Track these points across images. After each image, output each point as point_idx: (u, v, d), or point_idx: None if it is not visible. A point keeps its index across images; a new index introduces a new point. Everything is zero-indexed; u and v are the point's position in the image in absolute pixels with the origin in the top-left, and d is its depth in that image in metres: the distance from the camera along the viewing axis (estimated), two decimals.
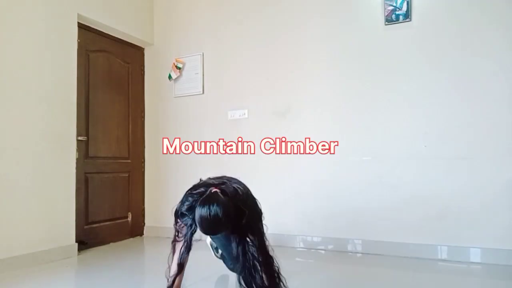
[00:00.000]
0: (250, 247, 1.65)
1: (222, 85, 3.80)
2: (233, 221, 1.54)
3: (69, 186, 3.21)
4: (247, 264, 1.63)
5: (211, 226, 1.49)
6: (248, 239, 1.66)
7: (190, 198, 1.67)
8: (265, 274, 1.68)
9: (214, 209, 1.47)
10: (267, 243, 1.75)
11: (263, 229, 1.75)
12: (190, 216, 1.64)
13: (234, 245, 1.65)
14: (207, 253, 2.53)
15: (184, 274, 1.82)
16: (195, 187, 1.74)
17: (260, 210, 1.76)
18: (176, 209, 1.74)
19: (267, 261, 1.71)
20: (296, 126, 3.42)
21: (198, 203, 1.52)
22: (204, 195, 1.55)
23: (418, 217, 2.90)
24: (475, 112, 2.78)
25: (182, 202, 1.71)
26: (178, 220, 1.75)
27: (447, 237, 2.81)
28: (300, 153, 3.39)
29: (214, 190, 1.57)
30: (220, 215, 1.47)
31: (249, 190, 1.79)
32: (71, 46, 3.29)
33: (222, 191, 1.59)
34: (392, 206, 3.00)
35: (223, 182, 1.69)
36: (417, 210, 2.91)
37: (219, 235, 1.70)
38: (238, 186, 1.73)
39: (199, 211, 1.49)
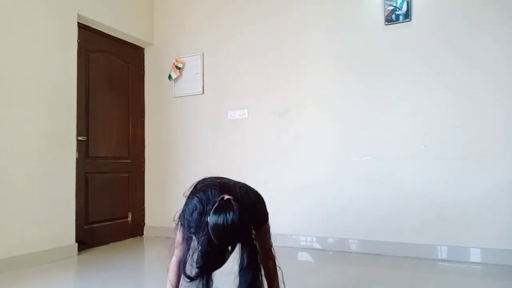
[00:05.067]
0: (256, 252, 1.62)
1: (222, 85, 3.80)
2: (248, 228, 1.47)
3: (69, 186, 3.21)
4: (254, 269, 1.59)
5: (228, 235, 1.40)
6: (254, 243, 1.62)
7: (199, 200, 1.55)
8: (269, 277, 1.68)
9: (231, 216, 1.38)
10: (272, 245, 1.73)
11: (269, 232, 1.73)
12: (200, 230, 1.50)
13: (240, 251, 1.59)
14: None
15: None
16: (201, 188, 1.61)
17: (267, 212, 1.73)
18: (183, 215, 1.59)
19: (274, 265, 1.71)
20: (296, 126, 3.42)
21: (212, 212, 1.42)
22: (217, 203, 1.45)
23: (418, 217, 2.90)
24: (475, 112, 2.78)
25: (188, 210, 1.58)
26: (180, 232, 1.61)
27: (447, 237, 2.81)
28: (300, 153, 3.39)
29: (226, 197, 1.48)
30: (237, 222, 1.38)
31: (257, 192, 1.73)
32: (71, 46, 3.29)
33: (235, 197, 1.50)
34: (391, 206, 3.00)
35: (232, 187, 1.61)
36: (417, 210, 2.91)
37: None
38: (247, 189, 1.67)
39: (214, 220, 1.39)
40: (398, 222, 2.97)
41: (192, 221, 1.55)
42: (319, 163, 3.30)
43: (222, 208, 1.42)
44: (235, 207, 1.42)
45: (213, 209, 1.43)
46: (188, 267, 1.59)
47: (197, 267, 1.55)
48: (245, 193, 1.62)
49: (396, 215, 2.98)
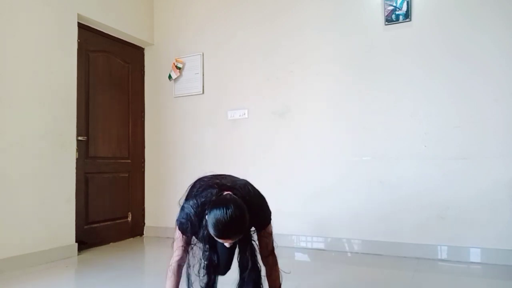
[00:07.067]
0: (255, 251, 1.61)
1: (222, 85, 3.80)
2: (248, 223, 1.45)
3: (69, 186, 3.21)
4: (256, 268, 1.58)
5: (229, 229, 1.37)
6: (253, 242, 1.59)
7: (197, 203, 1.53)
8: (271, 278, 1.67)
9: (231, 210, 1.37)
10: (275, 248, 1.72)
11: (272, 233, 1.72)
12: (202, 228, 1.49)
13: (241, 250, 1.56)
14: None
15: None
16: (198, 191, 1.59)
17: (270, 211, 1.70)
18: (181, 221, 1.57)
19: (277, 267, 1.69)
20: (296, 126, 3.42)
21: (211, 206, 1.41)
22: (215, 199, 1.45)
23: (418, 217, 2.90)
24: (474, 112, 2.78)
25: (187, 211, 1.56)
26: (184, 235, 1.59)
27: (447, 237, 2.81)
28: (299, 153, 3.39)
29: (226, 192, 1.49)
30: (238, 215, 1.38)
31: (257, 190, 1.72)
32: (71, 46, 3.29)
33: (234, 193, 1.50)
34: (392, 206, 3.00)
35: (233, 186, 1.58)
36: (417, 210, 2.91)
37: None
38: (248, 187, 1.66)
39: (214, 214, 1.37)
40: (398, 222, 2.97)
41: (190, 223, 1.53)
42: (319, 163, 3.30)
43: (220, 203, 1.40)
44: (233, 201, 1.41)
45: (211, 205, 1.42)
46: (195, 272, 1.59)
47: (202, 267, 1.55)
48: (246, 191, 1.59)
49: (396, 215, 2.98)
